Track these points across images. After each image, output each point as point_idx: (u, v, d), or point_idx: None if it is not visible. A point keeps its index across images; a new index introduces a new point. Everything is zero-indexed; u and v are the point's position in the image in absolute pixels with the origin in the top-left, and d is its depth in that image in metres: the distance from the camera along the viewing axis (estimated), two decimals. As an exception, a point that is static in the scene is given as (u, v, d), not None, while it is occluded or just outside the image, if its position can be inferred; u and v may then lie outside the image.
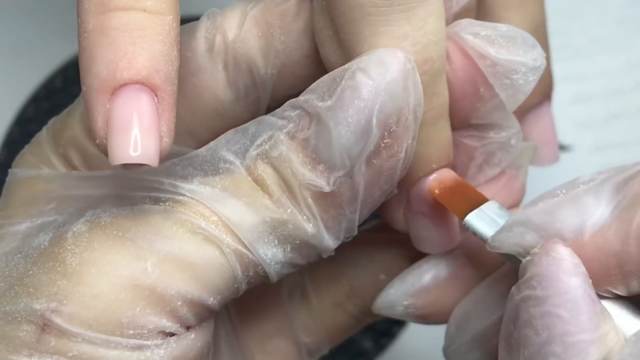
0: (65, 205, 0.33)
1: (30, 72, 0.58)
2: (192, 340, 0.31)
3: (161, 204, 0.31)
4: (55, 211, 0.33)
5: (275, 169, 0.31)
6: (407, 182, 0.34)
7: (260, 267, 0.31)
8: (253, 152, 0.31)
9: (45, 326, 0.29)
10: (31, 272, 0.30)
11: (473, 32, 0.33)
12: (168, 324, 0.30)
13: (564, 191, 0.30)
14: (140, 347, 0.29)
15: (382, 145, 0.31)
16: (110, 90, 0.28)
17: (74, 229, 0.31)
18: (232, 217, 0.31)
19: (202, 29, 0.34)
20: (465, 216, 0.33)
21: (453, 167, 0.35)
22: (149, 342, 0.30)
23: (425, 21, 0.31)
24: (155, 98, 0.29)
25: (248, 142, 0.32)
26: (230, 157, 0.32)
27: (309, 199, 0.31)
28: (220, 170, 0.31)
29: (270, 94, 0.34)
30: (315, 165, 0.31)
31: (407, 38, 0.31)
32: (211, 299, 0.31)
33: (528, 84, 0.33)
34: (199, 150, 0.32)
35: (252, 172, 0.31)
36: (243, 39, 0.34)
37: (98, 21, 0.28)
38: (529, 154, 0.38)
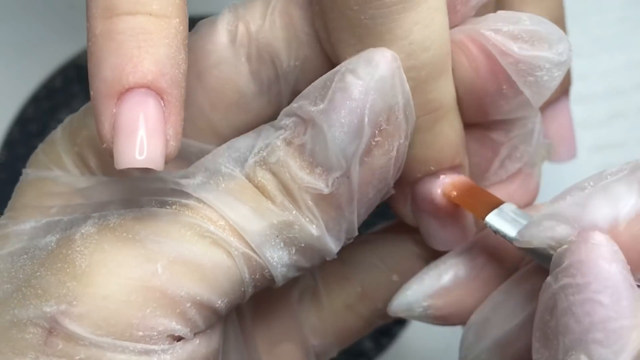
0: (70, 207, 0.33)
1: (30, 72, 0.58)
2: (197, 346, 0.31)
3: (167, 207, 0.31)
4: (60, 212, 0.33)
5: (274, 174, 0.31)
6: (406, 182, 0.35)
7: (266, 271, 0.31)
8: (251, 160, 0.32)
9: (52, 329, 0.29)
10: (39, 273, 0.30)
11: (495, 28, 0.32)
12: (177, 327, 0.30)
13: (591, 183, 0.30)
14: (147, 352, 0.29)
15: (373, 143, 0.31)
16: (116, 95, 0.28)
17: (83, 231, 0.31)
18: (240, 221, 0.31)
19: (224, 21, 0.34)
20: (484, 216, 0.33)
21: (477, 163, 0.36)
22: (155, 347, 0.30)
23: (410, 31, 0.31)
24: (162, 102, 0.29)
25: (247, 152, 0.32)
26: (230, 165, 0.32)
27: (310, 202, 0.31)
28: (223, 178, 0.31)
29: (292, 87, 0.34)
30: (313, 169, 0.31)
31: (391, 47, 0.31)
32: (219, 302, 0.31)
33: (553, 79, 0.32)
34: (202, 158, 0.32)
35: (252, 179, 0.31)
36: (266, 30, 0.33)
37: (105, 26, 0.28)
38: (543, 153, 0.38)
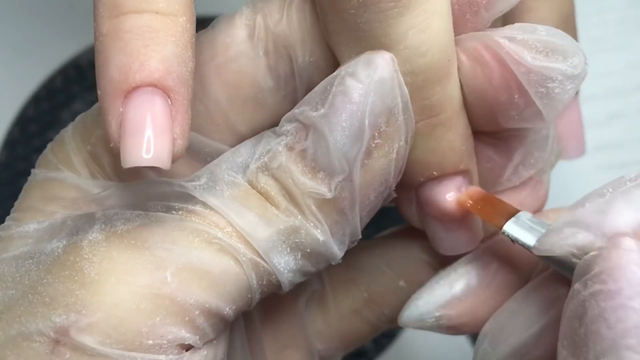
0: (74, 210, 0.33)
1: (30, 72, 0.58)
2: (204, 356, 0.31)
3: (174, 212, 0.31)
4: (64, 214, 0.33)
5: (277, 180, 0.31)
6: (408, 184, 0.34)
7: (273, 276, 0.31)
8: (252, 165, 0.31)
9: (60, 338, 0.29)
10: (45, 280, 0.30)
11: (510, 36, 0.32)
12: (187, 335, 0.30)
13: (611, 190, 0.30)
14: None
15: (373, 145, 0.31)
16: (123, 94, 0.28)
17: (90, 237, 0.30)
18: (246, 227, 0.31)
19: (242, 16, 0.34)
20: (501, 225, 0.33)
21: (490, 169, 0.35)
22: (163, 357, 0.29)
23: (405, 35, 0.31)
24: (169, 100, 0.29)
25: (249, 158, 0.32)
26: (233, 172, 0.32)
27: (313, 207, 0.31)
28: (227, 185, 0.31)
29: (306, 84, 0.34)
30: (316, 174, 0.31)
31: (387, 51, 0.31)
32: (227, 309, 0.31)
33: (566, 92, 0.32)
34: (209, 164, 0.32)
35: (255, 186, 0.31)
36: (283, 25, 0.33)
37: (111, 25, 0.28)
38: (552, 160, 0.38)
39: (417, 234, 0.37)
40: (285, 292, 0.32)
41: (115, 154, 0.29)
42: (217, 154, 0.33)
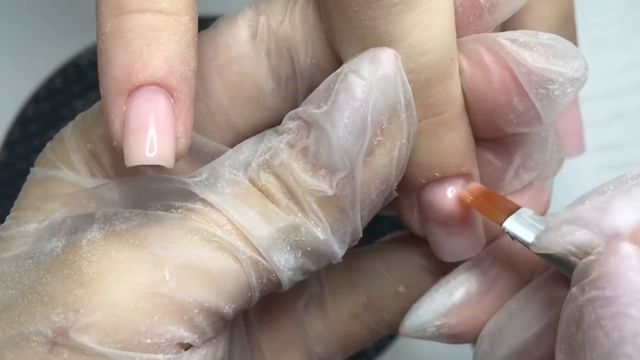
0: (74, 208, 0.33)
1: (30, 72, 0.58)
2: (204, 355, 0.31)
3: (173, 210, 0.31)
4: (63, 213, 0.33)
5: (278, 177, 0.31)
6: (410, 187, 0.34)
7: (273, 275, 0.31)
8: (254, 163, 0.31)
9: (58, 338, 0.29)
10: (44, 280, 0.30)
11: (511, 37, 0.31)
12: (186, 334, 0.30)
13: (611, 188, 0.30)
14: None
15: (375, 143, 0.31)
16: (126, 93, 0.28)
17: (89, 237, 0.30)
18: (246, 225, 0.30)
19: (245, 17, 0.34)
20: (501, 221, 0.32)
21: (490, 172, 0.35)
22: (161, 357, 0.29)
23: (409, 32, 0.31)
24: (172, 99, 0.29)
25: (250, 156, 0.32)
26: (234, 170, 0.32)
27: (314, 205, 0.31)
28: (227, 183, 0.31)
29: (307, 86, 0.34)
30: (317, 171, 0.31)
31: (390, 48, 0.31)
32: (226, 307, 0.31)
33: (566, 95, 0.31)
34: (210, 162, 0.32)
35: (256, 183, 0.31)
36: (286, 26, 0.33)
37: (114, 24, 0.28)
38: (554, 167, 0.37)
39: (417, 240, 0.37)
40: (285, 290, 0.32)
41: (118, 153, 0.29)
42: (217, 153, 0.33)
